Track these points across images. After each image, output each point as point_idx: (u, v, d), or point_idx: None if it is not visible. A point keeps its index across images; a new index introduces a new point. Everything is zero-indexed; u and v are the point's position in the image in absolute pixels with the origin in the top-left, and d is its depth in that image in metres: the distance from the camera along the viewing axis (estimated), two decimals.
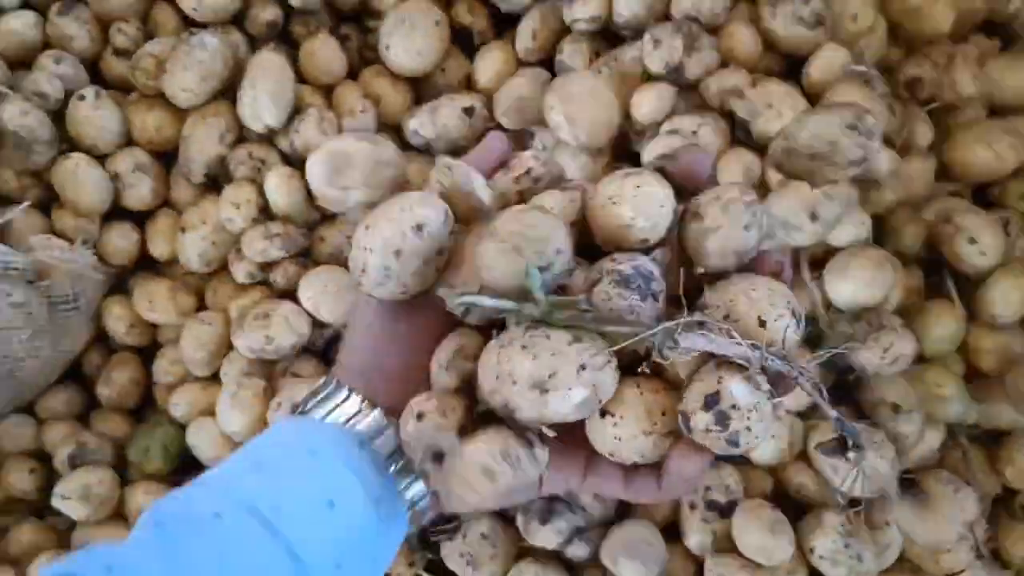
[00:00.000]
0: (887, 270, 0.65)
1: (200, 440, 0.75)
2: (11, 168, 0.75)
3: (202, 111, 0.76)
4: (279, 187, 0.72)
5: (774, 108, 0.67)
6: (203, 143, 0.76)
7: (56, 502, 0.75)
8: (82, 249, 0.76)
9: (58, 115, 0.76)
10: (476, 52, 0.81)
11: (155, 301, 0.78)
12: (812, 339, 0.65)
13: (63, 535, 0.77)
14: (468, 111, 0.77)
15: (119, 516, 0.77)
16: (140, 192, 0.78)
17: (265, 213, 0.74)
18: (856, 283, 0.65)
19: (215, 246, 0.76)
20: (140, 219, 0.81)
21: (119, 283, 0.81)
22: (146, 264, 0.82)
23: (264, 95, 0.73)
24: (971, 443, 0.69)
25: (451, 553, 0.66)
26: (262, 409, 0.71)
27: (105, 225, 0.79)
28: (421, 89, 0.81)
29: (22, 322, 0.72)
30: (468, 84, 0.82)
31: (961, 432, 0.68)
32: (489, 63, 0.80)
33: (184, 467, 0.78)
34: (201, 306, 0.80)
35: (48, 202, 0.78)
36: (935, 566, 0.66)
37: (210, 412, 0.75)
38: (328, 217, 0.76)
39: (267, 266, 0.75)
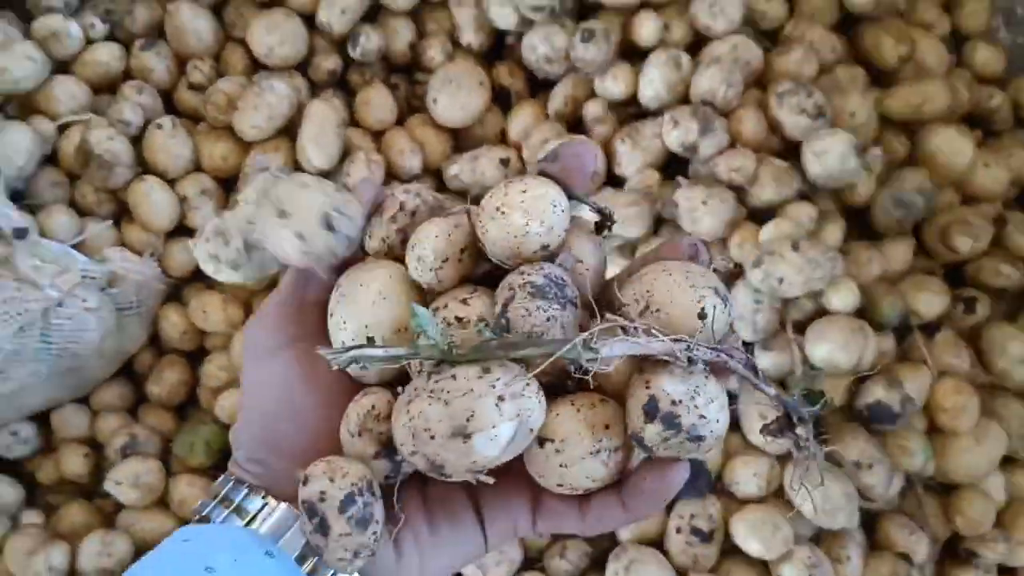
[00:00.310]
0: (860, 337, 0.74)
1: None
2: (92, 185, 0.84)
3: (264, 146, 0.85)
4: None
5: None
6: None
7: (109, 487, 0.83)
8: (150, 262, 0.84)
9: (135, 140, 0.85)
10: (511, 109, 0.90)
11: (208, 311, 0.86)
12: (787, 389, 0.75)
13: (109, 516, 0.85)
14: (504, 162, 0.86)
15: (163, 503, 0.85)
16: (203, 213, 0.87)
17: None
18: (832, 345, 0.74)
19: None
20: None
21: (175, 292, 0.90)
22: (200, 276, 0.90)
23: (311, 142, 0.83)
24: (926, 491, 0.78)
25: None
26: None
27: (168, 240, 0.87)
28: (460, 138, 0.90)
29: (94, 325, 0.81)
30: (502, 137, 0.91)
31: (919, 482, 0.78)
32: (521, 119, 0.89)
33: (223, 462, 0.86)
34: (247, 317, 0.89)
35: (119, 216, 0.87)
36: None
37: None
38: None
39: None
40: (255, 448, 0.41)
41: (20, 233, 0.77)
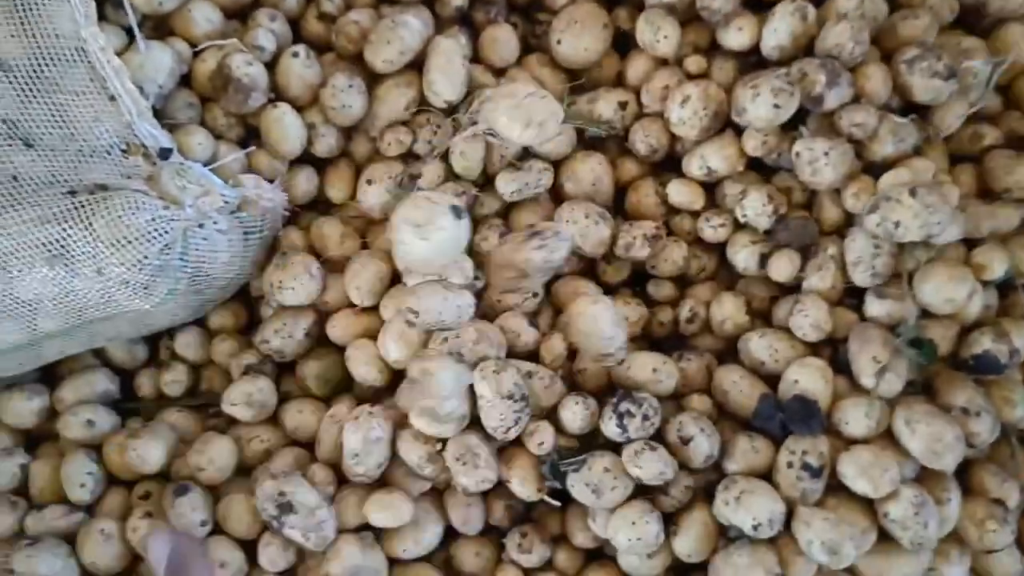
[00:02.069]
0: (968, 284, 0.78)
1: (357, 359, 0.86)
2: (225, 109, 0.86)
3: (396, 79, 0.87)
4: (465, 150, 0.84)
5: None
6: (391, 107, 0.87)
7: (226, 407, 0.87)
8: (278, 189, 0.87)
9: (268, 67, 0.87)
10: (629, 53, 0.92)
11: (327, 238, 0.89)
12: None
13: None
14: (623, 104, 0.88)
15: (273, 421, 0.89)
16: (328, 142, 0.89)
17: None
18: (940, 288, 0.78)
19: (395, 199, 0.88)
20: (319, 165, 0.92)
21: (292, 218, 0.92)
22: (320, 204, 0.93)
23: (439, 73, 0.85)
24: (1020, 443, 0.82)
25: (578, 483, 0.78)
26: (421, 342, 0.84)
27: (293, 168, 0.90)
28: (578, 79, 0.92)
29: (224, 246, 0.84)
30: (618, 80, 0.93)
31: (1014, 432, 0.82)
32: (640, 63, 0.91)
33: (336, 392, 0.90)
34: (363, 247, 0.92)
35: (246, 141, 0.89)
36: (978, 541, 0.79)
37: (367, 336, 0.87)
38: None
39: None
40: None
41: (165, 153, 0.80)
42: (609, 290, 0.90)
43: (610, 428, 0.78)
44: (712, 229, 0.88)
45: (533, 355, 0.83)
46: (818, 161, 0.81)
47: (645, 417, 0.78)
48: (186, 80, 0.88)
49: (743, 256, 0.87)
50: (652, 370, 0.82)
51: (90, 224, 0.76)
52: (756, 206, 0.84)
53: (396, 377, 0.85)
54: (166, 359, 0.94)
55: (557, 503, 0.81)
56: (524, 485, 0.80)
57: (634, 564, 0.81)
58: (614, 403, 0.78)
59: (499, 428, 0.77)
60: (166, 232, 0.77)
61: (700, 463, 0.79)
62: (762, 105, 0.80)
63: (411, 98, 0.87)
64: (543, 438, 0.79)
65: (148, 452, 0.84)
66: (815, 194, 0.87)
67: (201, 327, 0.94)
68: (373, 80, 0.89)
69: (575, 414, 0.79)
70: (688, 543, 0.79)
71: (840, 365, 0.82)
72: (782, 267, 0.85)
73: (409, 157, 0.89)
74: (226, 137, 0.88)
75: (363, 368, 0.85)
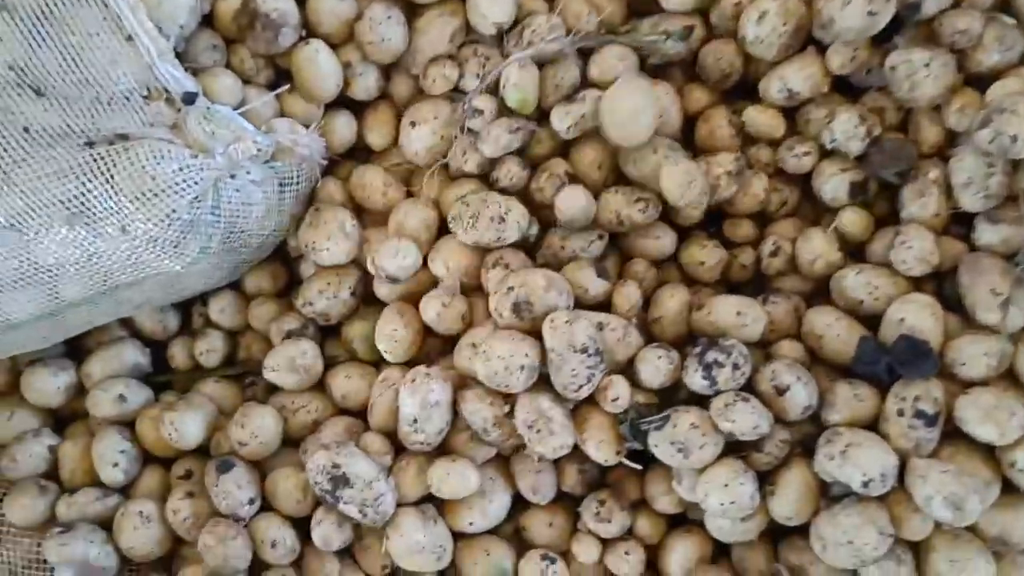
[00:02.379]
0: None
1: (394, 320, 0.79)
2: (253, 50, 0.78)
3: (439, 8, 0.79)
4: (518, 80, 0.75)
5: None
6: (435, 39, 0.79)
7: (267, 374, 0.80)
8: (315, 135, 0.79)
9: (298, 2, 0.79)
10: None
11: (368, 188, 0.82)
12: None
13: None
14: (688, 29, 0.80)
15: (319, 388, 0.82)
16: (367, 82, 0.81)
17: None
18: None
19: (443, 140, 0.80)
20: (357, 109, 0.84)
21: (330, 168, 0.84)
22: (360, 153, 0.85)
23: None
24: None
25: (661, 442, 0.71)
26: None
27: (328, 112, 0.82)
28: (634, 5, 0.84)
29: (259, 198, 0.77)
30: None
31: None
32: None
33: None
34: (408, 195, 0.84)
35: (276, 85, 0.81)
36: None
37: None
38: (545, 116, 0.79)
39: (492, 163, 0.79)
40: None
41: (190, 97, 0.72)
42: (683, 234, 0.81)
43: (695, 380, 0.70)
44: (796, 158, 0.79)
45: (603, 307, 0.75)
46: (916, 74, 0.73)
47: (735, 366, 0.70)
48: (208, 20, 0.80)
49: (832, 185, 0.78)
50: (736, 314, 0.73)
51: (111, 177, 0.69)
52: (847, 128, 0.75)
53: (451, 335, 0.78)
54: (199, 327, 0.87)
55: (638, 466, 0.73)
56: (600, 448, 0.72)
57: (725, 529, 0.73)
58: (698, 353, 0.70)
59: (570, 386, 0.69)
60: (195, 183, 0.70)
61: (798, 414, 0.71)
62: (854, 14, 0.71)
63: (456, 27, 0.79)
64: (618, 393, 0.71)
65: (185, 426, 0.77)
66: (910, 113, 0.78)
67: (236, 291, 0.87)
68: (413, 12, 0.81)
69: (656, 368, 0.71)
70: (787, 504, 0.70)
71: (948, 301, 0.74)
72: None
73: (456, 93, 0.80)
74: (255, 81, 0.81)
75: None
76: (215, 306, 0.86)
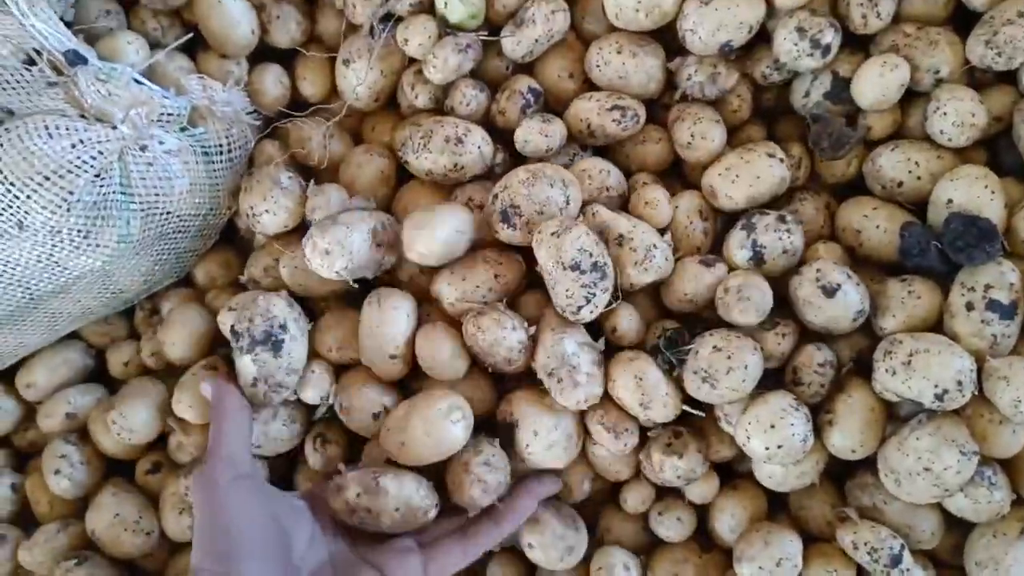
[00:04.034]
0: None
1: None
2: (153, 7, 0.68)
3: None
4: None
5: None
6: None
7: None
8: (236, 91, 0.68)
9: None
10: None
11: (308, 142, 0.71)
12: None
13: None
14: None
15: None
16: (287, 26, 0.70)
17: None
18: None
19: (384, 76, 0.68)
20: (285, 60, 0.73)
21: (264, 128, 0.73)
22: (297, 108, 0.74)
23: None
24: None
25: (687, 374, 0.59)
26: None
27: (255, 68, 0.71)
28: None
29: (178, 171, 0.66)
30: None
31: None
32: None
33: None
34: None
35: (190, 47, 0.71)
36: None
37: None
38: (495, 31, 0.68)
39: (447, 88, 0.67)
40: (214, 564, 0.52)
41: (75, 57, 0.61)
42: None
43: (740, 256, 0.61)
44: None
45: None
46: None
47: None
48: None
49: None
50: None
51: None
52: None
53: None
54: (144, 329, 0.76)
55: (701, 412, 0.61)
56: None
57: (777, 476, 0.61)
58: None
59: (568, 308, 0.58)
60: (94, 158, 0.60)
61: (849, 322, 0.59)
62: None
63: None
64: (618, 325, 0.60)
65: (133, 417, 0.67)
66: None
67: (188, 286, 0.76)
68: None
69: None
70: (848, 435, 0.58)
71: (1004, 165, 0.61)
72: None
73: (388, 22, 0.69)
74: (163, 43, 0.70)
75: None
76: (166, 304, 0.75)
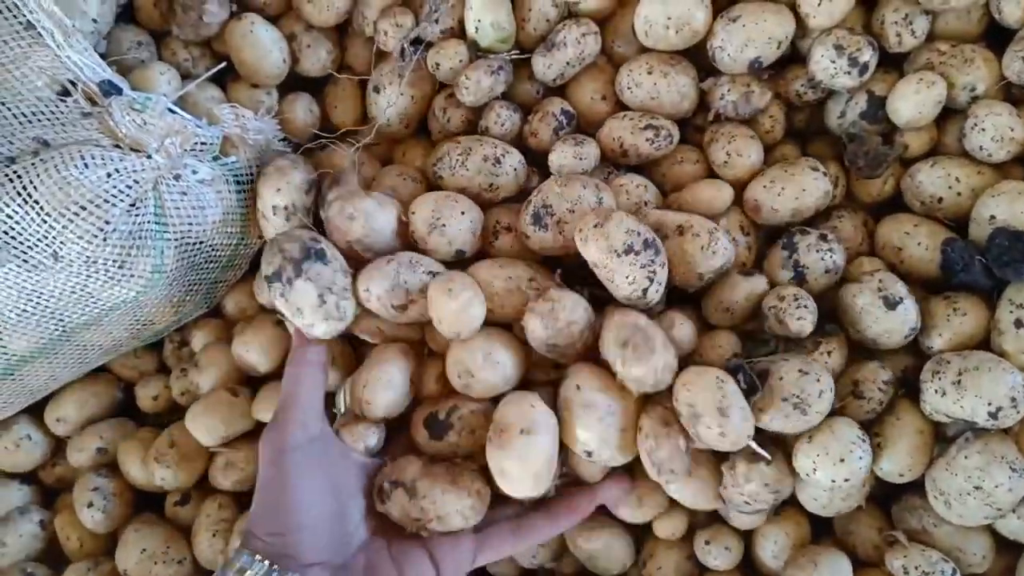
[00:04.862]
0: None
1: None
2: (185, 38, 0.68)
3: None
4: (494, 17, 0.64)
5: None
6: None
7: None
8: (267, 120, 0.68)
9: None
10: None
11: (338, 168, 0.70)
12: None
13: None
14: None
15: None
16: (318, 55, 0.71)
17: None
18: None
19: (414, 101, 0.68)
20: (315, 88, 0.74)
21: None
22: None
23: None
24: None
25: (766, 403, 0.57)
26: None
27: (285, 97, 0.71)
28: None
29: (212, 200, 0.66)
30: None
31: None
32: None
33: None
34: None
35: (221, 77, 0.71)
36: None
37: None
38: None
39: (478, 112, 0.67)
40: (272, 527, 0.52)
41: (110, 87, 0.61)
42: None
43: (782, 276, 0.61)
44: None
45: None
46: None
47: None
48: (130, 15, 0.70)
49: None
50: None
51: (30, 195, 0.58)
52: None
53: None
54: (174, 363, 0.75)
55: (766, 456, 0.57)
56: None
57: (821, 500, 0.60)
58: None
59: (635, 294, 0.57)
60: (129, 187, 0.59)
61: (901, 338, 0.58)
62: None
63: None
64: (681, 334, 0.59)
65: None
66: None
67: (218, 317, 0.75)
68: None
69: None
70: (898, 459, 0.57)
71: None
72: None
73: (418, 47, 0.69)
74: (194, 73, 0.70)
75: None
76: (196, 337, 0.75)
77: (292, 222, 0.65)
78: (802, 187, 0.61)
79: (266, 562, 0.51)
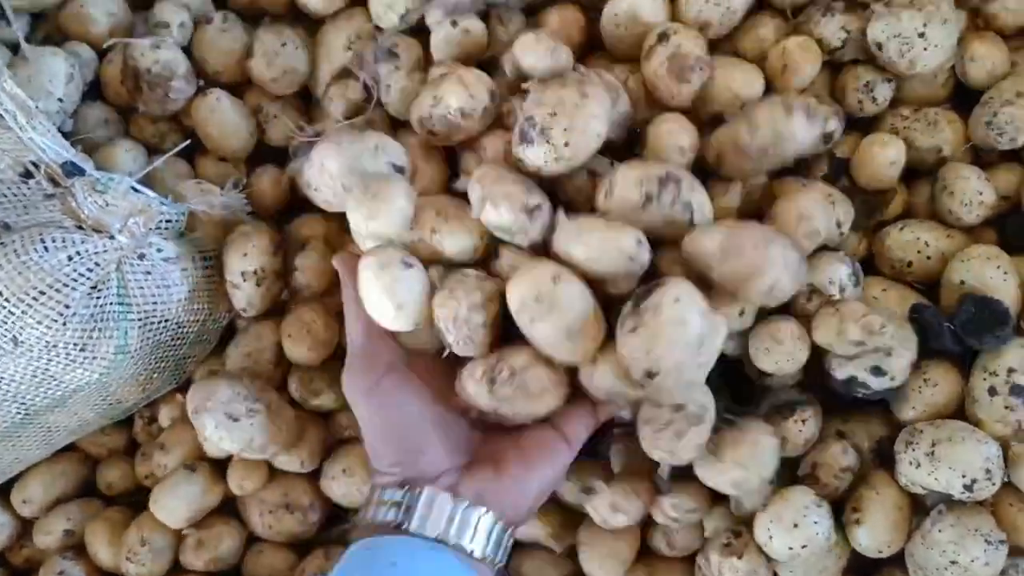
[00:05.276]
0: None
1: None
2: (152, 115, 0.68)
3: (336, 18, 0.69)
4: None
5: None
6: (335, 51, 0.68)
7: None
8: (234, 194, 0.68)
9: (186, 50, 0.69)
10: None
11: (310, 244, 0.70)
12: None
13: None
14: None
15: None
16: (285, 125, 0.70)
17: None
18: None
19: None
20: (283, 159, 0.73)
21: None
22: (300, 207, 0.73)
23: None
24: None
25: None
26: None
27: (254, 170, 0.71)
28: None
29: (178, 279, 0.65)
30: None
31: None
32: None
33: None
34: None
35: (190, 152, 0.71)
36: None
37: None
38: None
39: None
40: (389, 457, 0.54)
41: (72, 168, 0.61)
42: None
43: None
44: None
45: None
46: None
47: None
48: (97, 92, 0.70)
49: None
50: None
51: None
52: None
53: None
54: (144, 439, 0.74)
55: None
56: None
57: (796, 573, 0.58)
58: None
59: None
60: (90, 270, 0.59)
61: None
62: None
63: (355, 30, 0.68)
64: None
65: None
66: None
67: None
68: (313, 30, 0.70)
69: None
70: (876, 533, 0.56)
71: (1015, 242, 0.60)
72: None
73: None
74: (162, 149, 0.70)
75: None
76: (165, 413, 0.74)
77: (263, 288, 0.65)
78: None
79: (398, 490, 0.52)
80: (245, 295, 0.65)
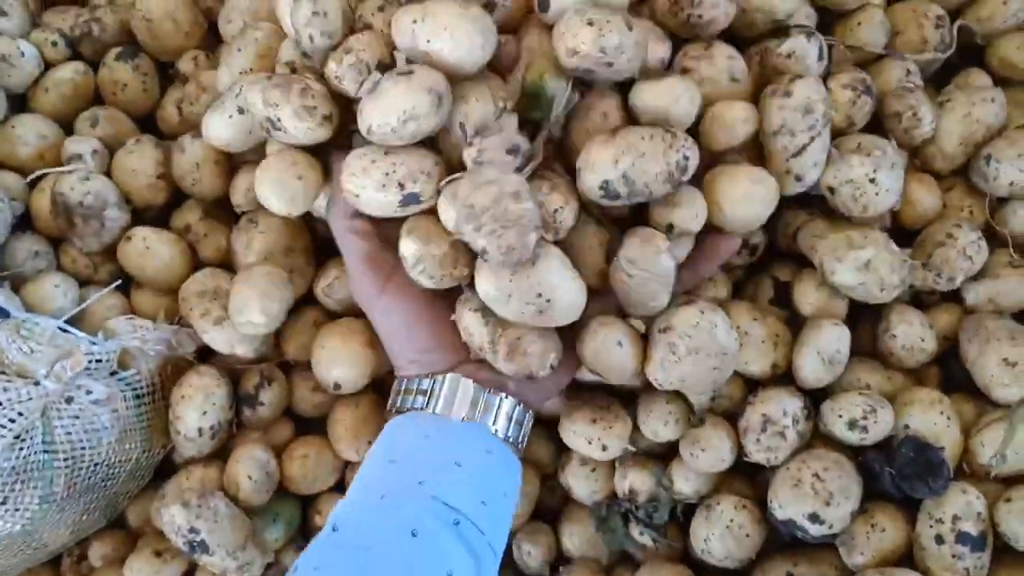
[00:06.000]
0: None
1: None
2: (90, 246, 0.66)
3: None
4: None
5: None
6: None
7: None
8: (166, 327, 0.66)
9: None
10: None
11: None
12: None
13: None
14: None
15: None
16: (217, 241, 0.69)
17: None
18: None
19: None
20: None
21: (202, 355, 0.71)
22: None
23: None
24: None
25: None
26: None
27: None
28: None
29: (108, 422, 0.62)
30: None
31: None
32: None
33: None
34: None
35: (127, 282, 0.69)
36: None
37: None
38: None
39: None
40: (406, 352, 0.56)
41: None
42: None
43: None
44: None
45: None
46: None
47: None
48: (28, 223, 0.68)
49: None
50: None
51: None
52: None
53: None
54: None
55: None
56: None
57: None
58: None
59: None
60: (13, 420, 0.56)
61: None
62: None
63: None
64: None
65: None
66: None
67: (121, 527, 0.71)
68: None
69: None
70: None
71: (955, 380, 0.61)
72: None
73: None
74: (95, 280, 0.68)
75: None
76: (96, 551, 0.70)
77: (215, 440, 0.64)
78: None
79: (425, 379, 0.54)
80: (196, 446, 0.64)
